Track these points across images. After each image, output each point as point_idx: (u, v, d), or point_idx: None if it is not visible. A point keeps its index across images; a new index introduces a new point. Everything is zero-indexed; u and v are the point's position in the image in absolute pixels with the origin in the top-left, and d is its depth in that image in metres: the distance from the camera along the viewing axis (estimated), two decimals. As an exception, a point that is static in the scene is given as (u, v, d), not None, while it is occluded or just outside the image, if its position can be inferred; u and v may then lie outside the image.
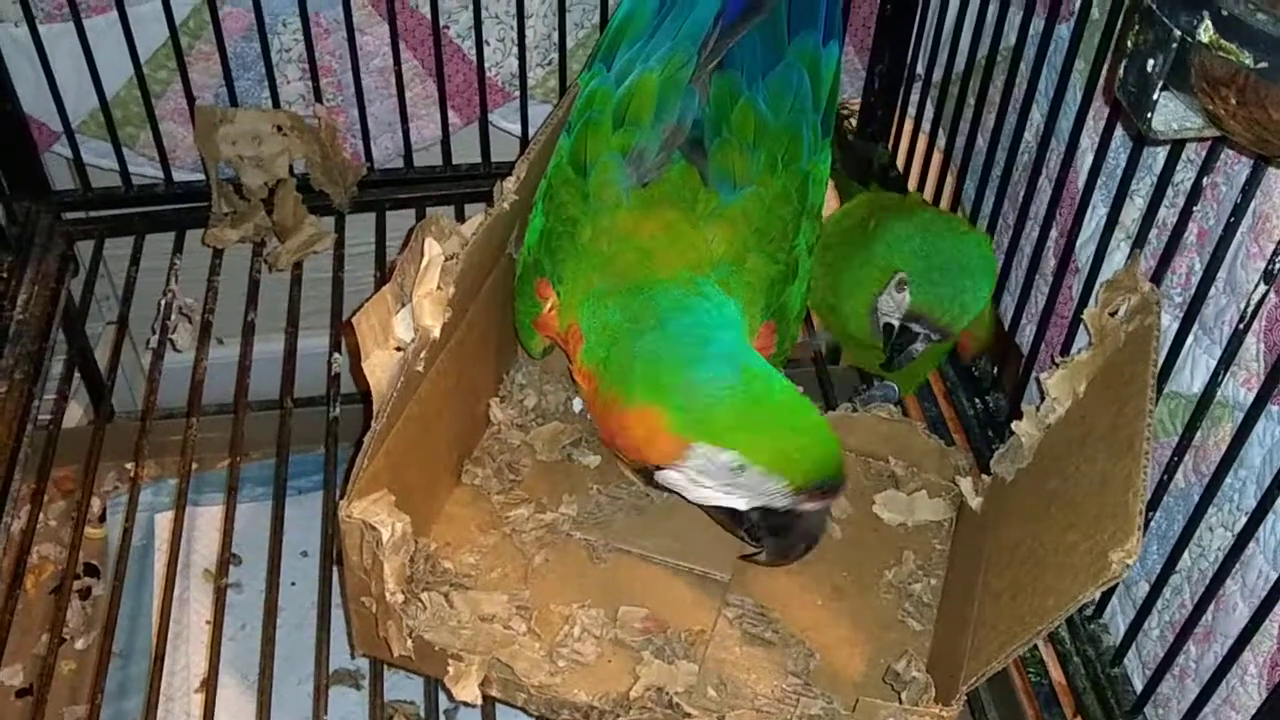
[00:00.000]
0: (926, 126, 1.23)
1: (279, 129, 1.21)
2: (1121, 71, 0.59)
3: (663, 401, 0.83)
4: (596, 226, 0.91)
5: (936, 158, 1.22)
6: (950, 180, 1.19)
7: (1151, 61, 0.56)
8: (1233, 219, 0.77)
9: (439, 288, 0.82)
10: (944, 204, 1.20)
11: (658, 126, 0.92)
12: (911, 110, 1.26)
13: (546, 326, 0.94)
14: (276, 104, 1.22)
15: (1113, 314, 0.87)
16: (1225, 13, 0.51)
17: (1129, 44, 0.57)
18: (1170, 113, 0.58)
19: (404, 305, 0.83)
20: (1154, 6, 0.54)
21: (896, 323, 0.98)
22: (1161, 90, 0.56)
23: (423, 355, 0.82)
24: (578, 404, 1.06)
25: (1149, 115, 0.58)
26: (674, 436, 0.83)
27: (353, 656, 0.97)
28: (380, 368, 0.81)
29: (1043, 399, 0.91)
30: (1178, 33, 0.53)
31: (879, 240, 0.99)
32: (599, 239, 0.91)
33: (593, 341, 0.89)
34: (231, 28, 1.16)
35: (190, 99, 1.19)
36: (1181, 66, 0.55)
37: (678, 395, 0.83)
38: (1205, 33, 0.52)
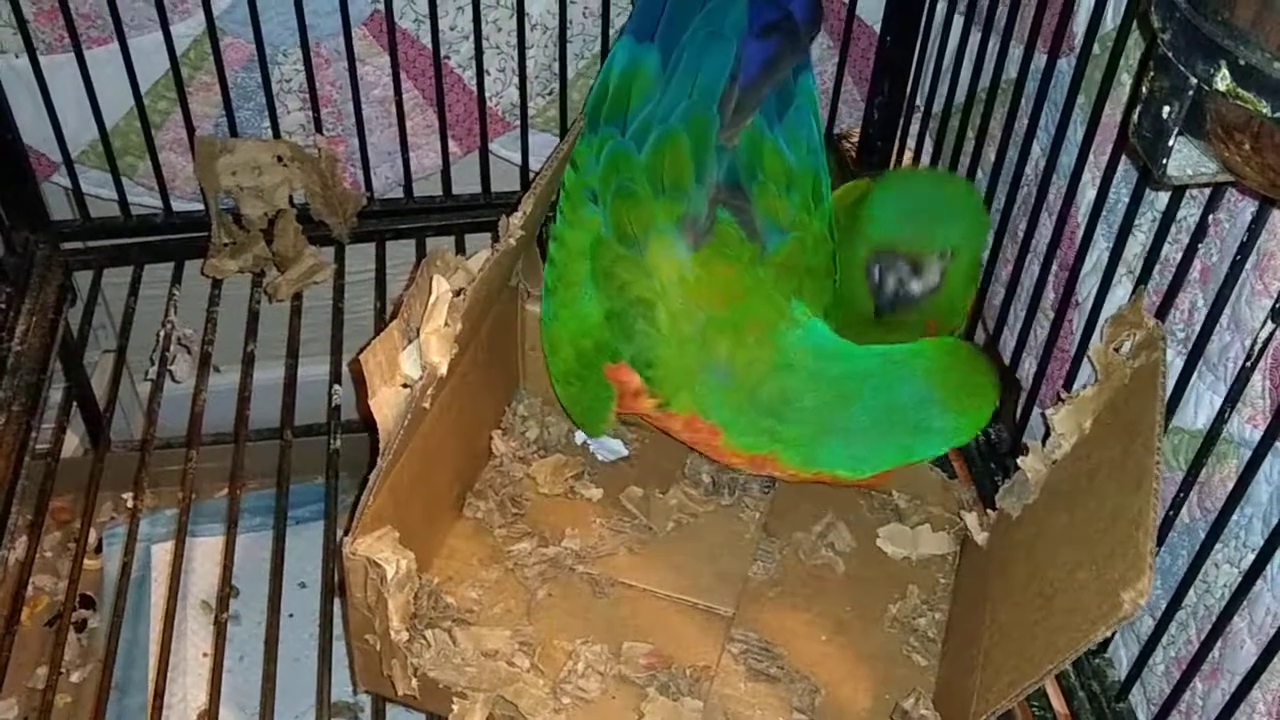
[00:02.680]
0: (926, 159, 1.24)
1: (279, 159, 1.21)
2: (1136, 118, 0.59)
3: (900, 459, 0.88)
4: (672, 307, 0.88)
5: (936, 189, 1.22)
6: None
7: (1167, 108, 0.56)
8: (1238, 257, 0.77)
9: (446, 324, 0.81)
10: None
11: (702, 189, 0.89)
12: (911, 142, 1.26)
13: (635, 409, 0.93)
14: (277, 134, 1.22)
15: (1118, 350, 0.87)
16: (1243, 62, 0.51)
17: (1144, 90, 0.58)
18: (1185, 158, 0.58)
19: (411, 342, 0.83)
20: (1170, 55, 0.55)
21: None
22: (1177, 136, 0.56)
23: (430, 392, 0.82)
24: (580, 436, 1.06)
25: (1164, 161, 0.58)
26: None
27: (354, 692, 0.97)
28: (387, 405, 0.81)
29: (1045, 433, 0.91)
30: (1194, 80, 0.54)
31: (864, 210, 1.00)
32: (679, 321, 0.88)
33: (743, 426, 0.88)
34: (232, 59, 1.16)
35: (190, 129, 1.19)
36: (1197, 113, 0.55)
37: (907, 450, 0.88)
38: (1222, 81, 0.52)
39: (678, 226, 0.88)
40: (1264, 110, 0.51)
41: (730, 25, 0.92)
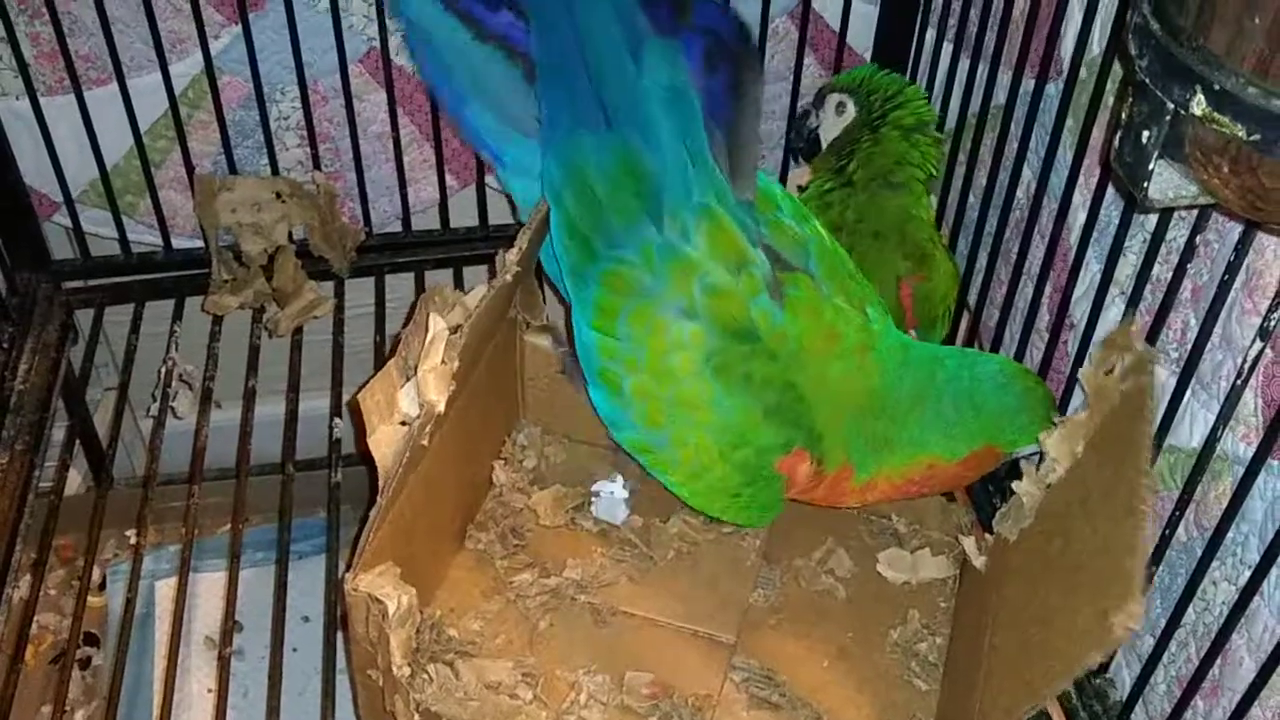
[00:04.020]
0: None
1: (278, 196, 1.22)
2: (1117, 142, 0.60)
3: (990, 437, 0.89)
4: (805, 374, 0.86)
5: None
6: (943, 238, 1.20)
7: (1147, 133, 0.57)
8: (1227, 276, 0.78)
9: (443, 362, 0.82)
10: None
11: (758, 249, 0.86)
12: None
13: (808, 490, 0.92)
14: (275, 171, 1.23)
15: (1109, 373, 0.88)
16: (1218, 87, 0.52)
17: (1124, 116, 0.59)
18: (1166, 181, 0.59)
19: (409, 380, 0.83)
20: (1148, 80, 0.55)
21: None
22: (1157, 160, 0.57)
23: (428, 429, 0.82)
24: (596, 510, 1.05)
25: (1145, 185, 0.59)
26: (1005, 454, 0.90)
27: (358, 725, 0.97)
28: (386, 443, 0.81)
29: (1041, 457, 0.92)
30: (1171, 106, 0.54)
31: None
32: (814, 383, 0.87)
33: (865, 456, 0.88)
34: (230, 97, 1.18)
35: (189, 168, 1.20)
36: (1175, 138, 0.56)
37: (996, 426, 0.88)
38: (1198, 106, 0.53)
39: (767, 295, 0.86)
40: (1240, 134, 0.52)
41: (678, 77, 0.88)
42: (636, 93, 0.87)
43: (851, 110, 1.08)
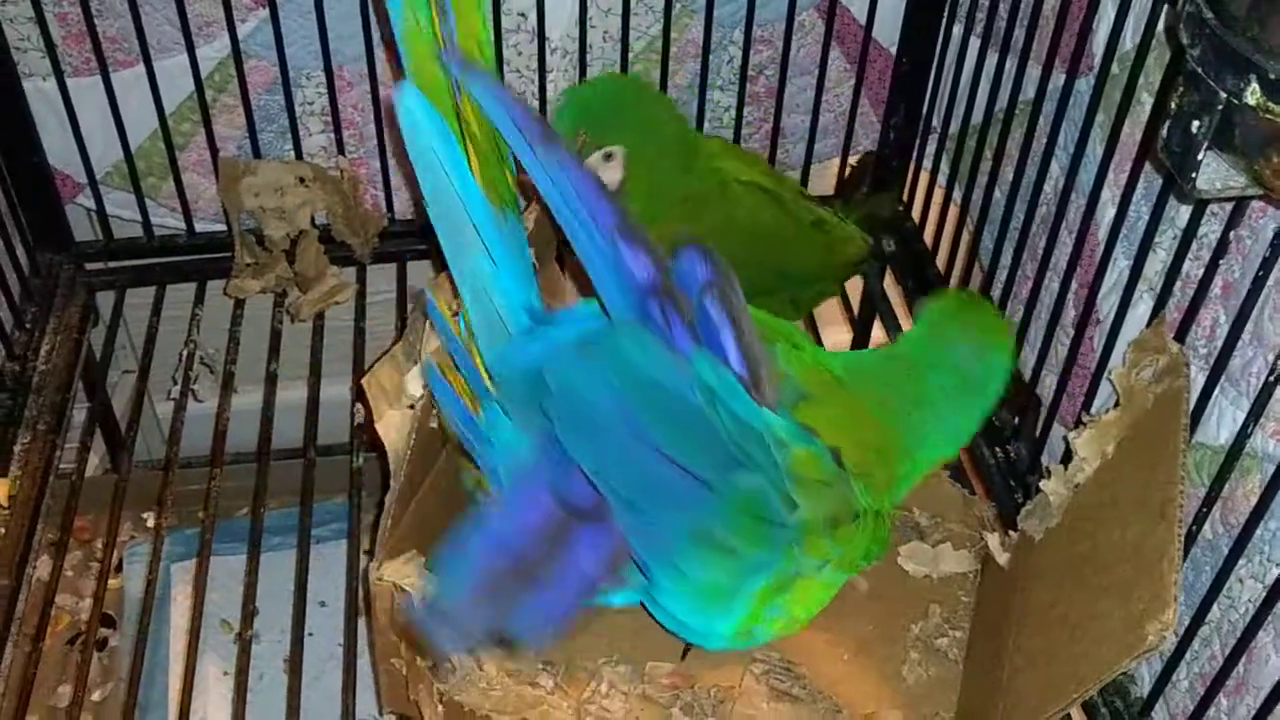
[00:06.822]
0: (942, 180, 1.24)
1: (301, 180, 1.22)
2: (1165, 132, 0.60)
3: (987, 410, 0.89)
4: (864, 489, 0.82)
5: (953, 211, 1.23)
6: (967, 233, 1.20)
7: (1196, 123, 0.57)
8: (1260, 272, 0.77)
9: None
10: (960, 255, 1.21)
11: (830, 458, 0.80)
12: (928, 163, 1.27)
13: None
14: (299, 156, 1.23)
15: (1140, 374, 0.87)
16: (1273, 76, 0.52)
17: (1173, 105, 0.58)
18: (1214, 172, 0.59)
19: (415, 364, 0.83)
20: (1199, 70, 0.55)
21: None
22: (1206, 151, 0.57)
23: (435, 411, 0.82)
24: None
25: (1193, 176, 0.58)
26: None
27: (380, 715, 0.97)
28: (394, 427, 0.81)
29: (1064, 453, 0.92)
30: (1223, 95, 0.54)
31: None
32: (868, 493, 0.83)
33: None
34: (256, 81, 1.18)
35: (213, 151, 1.20)
36: (1226, 128, 0.56)
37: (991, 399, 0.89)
38: (1252, 95, 0.53)
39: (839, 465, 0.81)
40: (1294, 123, 0.52)
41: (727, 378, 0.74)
42: (717, 440, 0.74)
43: (619, 157, 1.00)
